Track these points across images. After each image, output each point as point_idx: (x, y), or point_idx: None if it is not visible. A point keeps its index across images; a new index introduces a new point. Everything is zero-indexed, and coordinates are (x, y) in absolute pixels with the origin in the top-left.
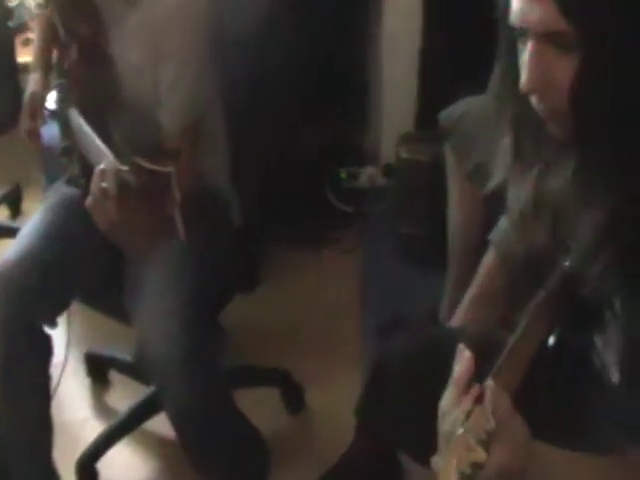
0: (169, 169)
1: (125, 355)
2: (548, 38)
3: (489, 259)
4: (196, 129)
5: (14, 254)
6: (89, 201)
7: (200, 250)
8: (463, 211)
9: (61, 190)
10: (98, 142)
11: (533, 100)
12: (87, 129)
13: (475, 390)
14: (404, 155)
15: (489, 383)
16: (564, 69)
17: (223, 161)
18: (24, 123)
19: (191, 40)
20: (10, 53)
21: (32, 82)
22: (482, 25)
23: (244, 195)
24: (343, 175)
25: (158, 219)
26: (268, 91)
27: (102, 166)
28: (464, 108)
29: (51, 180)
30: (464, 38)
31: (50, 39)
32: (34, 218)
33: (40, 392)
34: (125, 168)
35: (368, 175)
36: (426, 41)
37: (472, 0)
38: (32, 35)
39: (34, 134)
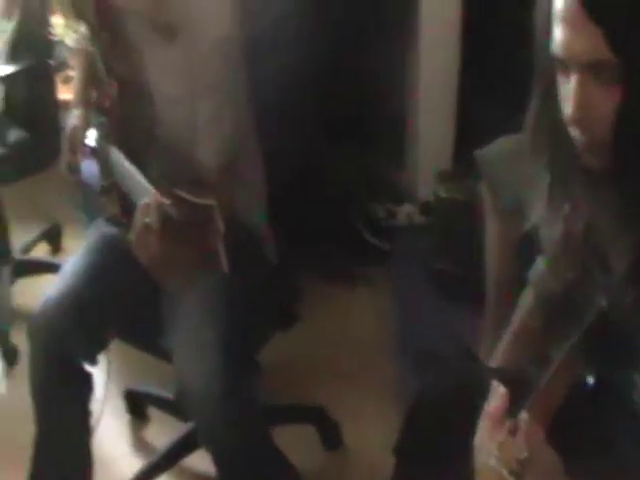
0: (211, 201)
1: (164, 391)
2: (592, 68)
3: (527, 298)
4: (233, 165)
5: (55, 293)
6: (131, 236)
7: (238, 286)
8: (500, 250)
9: (101, 229)
10: (140, 178)
11: (573, 131)
12: (128, 165)
13: (508, 423)
14: (442, 194)
15: (523, 415)
16: (608, 100)
17: (258, 197)
18: (65, 157)
19: (229, 76)
20: (51, 91)
21: (73, 118)
22: (520, 62)
23: (280, 231)
24: (380, 212)
25: (201, 251)
26: (306, 127)
27: (145, 201)
28: (500, 147)
29: (90, 218)
30: (502, 75)
31: (90, 76)
32: (75, 257)
33: (81, 428)
34: (167, 202)
35: (406, 213)
36: (463, 78)
37: (510, 37)
38: (72, 73)
39: (74, 168)
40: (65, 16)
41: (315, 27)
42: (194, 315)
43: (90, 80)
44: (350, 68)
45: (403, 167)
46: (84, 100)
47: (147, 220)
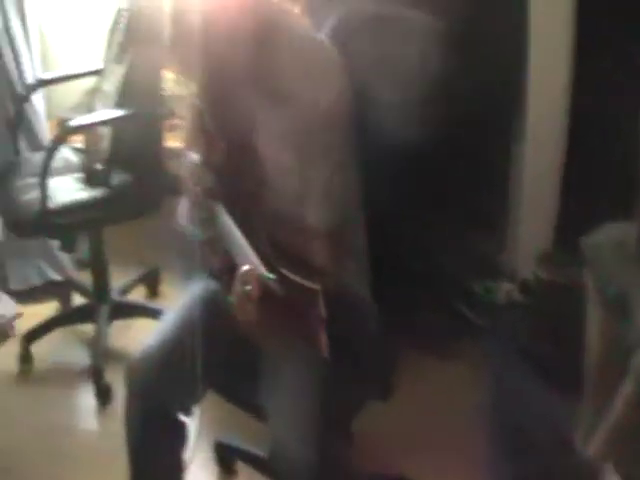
0: (316, 286)
1: (254, 447)
2: None
3: (628, 389)
4: (342, 234)
5: (155, 342)
6: (232, 299)
7: (338, 355)
8: (603, 339)
9: (203, 282)
10: (242, 242)
11: None
12: (232, 226)
13: None
14: (543, 275)
15: None
16: None
17: (363, 270)
18: (173, 204)
19: (339, 146)
20: (157, 137)
21: (182, 168)
22: (627, 150)
23: (381, 303)
24: (479, 289)
25: (301, 331)
26: (408, 202)
27: (246, 268)
28: (607, 236)
29: (191, 268)
30: (608, 161)
31: (199, 130)
32: (176, 307)
33: (172, 477)
34: (272, 276)
35: (504, 290)
36: (569, 160)
37: (616, 122)
38: (178, 121)
39: (183, 217)
40: (176, 72)
41: (425, 103)
42: (292, 379)
43: (199, 134)
44: (457, 146)
45: (503, 245)
46: (193, 152)
47: (247, 288)
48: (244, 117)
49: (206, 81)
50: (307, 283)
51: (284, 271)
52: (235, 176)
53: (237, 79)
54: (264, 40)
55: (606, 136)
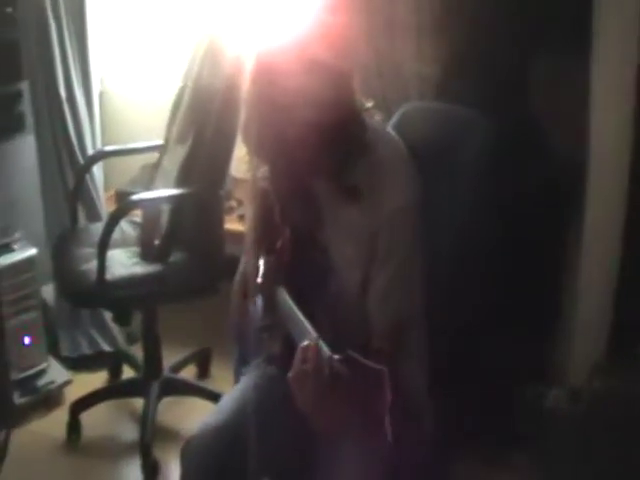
0: (383, 367)
1: None
2: None
3: None
4: (403, 332)
5: (213, 423)
6: (290, 377)
7: (395, 454)
8: None
9: (261, 367)
10: (305, 322)
11: None
12: (294, 307)
13: None
14: (596, 384)
15: None
16: None
17: (422, 368)
18: (235, 300)
19: (408, 247)
20: (217, 218)
21: (246, 261)
22: None
23: (436, 405)
24: (528, 393)
25: (365, 415)
26: (473, 302)
27: (305, 344)
28: None
29: (244, 351)
30: None
31: (265, 215)
32: (235, 391)
33: None
34: (337, 357)
35: (554, 396)
36: (623, 267)
37: None
38: (234, 203)
39: (243, 313)
40: (248, 153)
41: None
42: (347, 472)
43: (264, 219)
44: (514, 247)
45: (556, 350)
46: (257, 237)
47: (306, 367)
48: (314, 208)
49: (278, 168)
50: (374, 365)
51: (350, 352)
52: (299, 265)
53: (308, 168)
54: (337, 134)
55: None
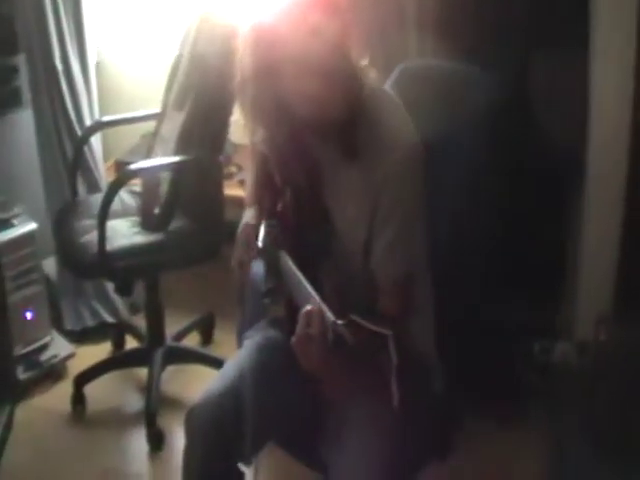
0: (388, 331)
1: None
2: None
3: None
4: (409, 288)
5: (217, 388)
6: (294, 341)
7: (403, 414)
8: None
9: (265, 331)
10: (309, 288)
11: None
12: (297, 272)
13: None
14: (602, 337)
15: None
16: None
17: (429, 325)
18: (237, 253)
19: (410, 201)
20: (217, 184)
21: (247, 216)
22: None
23: (445, 361)
24: (536, 348)
25: (371, 379)
26: (468, 259)
27: (308, 308)
28: None
29: (250, 317)
30: None
31: (264, 179)
32: (238, 356)
33: None
34: (340, 322)
35: (561, 351)
36: (628, 221)
37: None
38: (234, 169)
39: (245, 265)
40: (245, 118)
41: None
42: (356, 437)
43: (264, 183)
44: (517, 203)
45: (562, 305)
46: (258, 201)
47: (310, 330)
48: (313, 168)
49: (276, 130)
50: (377, 328)
51: (353, 317)
52: (302, 225)
53: (308, 132)
54: (334, 94)
55: None
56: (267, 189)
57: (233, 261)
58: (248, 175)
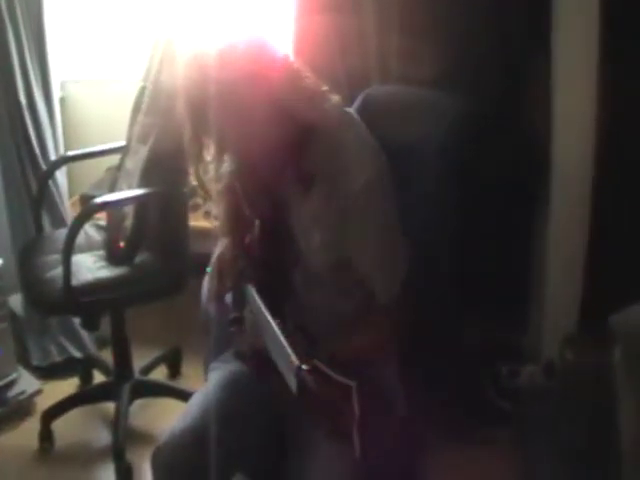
0: (351, 383)
1: None
2: None
3: None
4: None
5: (183, 425)
6: None
7: (368, 445)
8: (636, 429)
9: (228, 365)
10: (273, 324)
11: None
12: (263, 308)
13: None
14: (568, 357)
15: None
16: None
17: (392, 352)
18: (212, 285)
19: (385, 214)
20: (182, 217)
21: (221, 246)
22: None
23: (409, 386)
24: (502, 371)
25: (333, 425)
26: (432, 278)
27: None
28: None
29: (217, 350)
30: (635, 239)
31: (235, 210)
32: (202, 390)
33: None
34: (304, 367)
35: (528, 373)
36: (593, 239)
37: None
38: (200, 200)
39: (220, 297)
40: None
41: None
42: (322, 466)
43: (234, 215)
44: (481, 225)
45: (527, 327)
46: (231, 230)
47: None
48: (278, 197)
49: (239, 161)
50: (341, 379)
51: (317, 363)
52: (268, 256)
53: (265, 162)
54: (285, 127)
55: (632, 214)
56: (237, 221)
57: (208, 293)
58: (216, 207)
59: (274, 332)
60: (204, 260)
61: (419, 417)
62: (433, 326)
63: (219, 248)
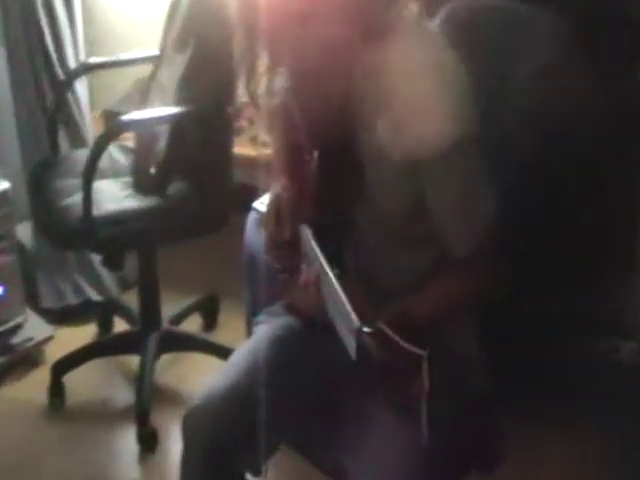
0: (422, 351)
1: None
2: None
3: None
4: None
5: (221, 386)
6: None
7: (437, 416)
8: None
9: (277, 318)
10: (332, 276)
11: None
12: (321, 256)
13: None
14: None
15: None
16: None
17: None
18: (269, 230)
19: (463, 167)
20: (224, 141)
21: (277, 185)
22: None
23: (491, 362)
24: (604, 347)
25: (398, 398)
26: (528, 247)
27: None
28: None
29: (254, 296)
30: None
31: (287, 136)
32: (248, 346)
33: None
34: (366, 329)
35: (628, 349)
36: None
37: None
38: (245, 123)
39: (279, 245)
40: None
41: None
42: (382, 438)
43: (286, 143)
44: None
45: (630, 303)
46: (287, 167)
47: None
48: (343, 121)
49: (299, 75)
50: (410, 347)
51: (382, 326)
52: (326, 196)
53: (330, 69)
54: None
55: None
56: (290, 149)
57: (266, 241)
58: (268, 132)
59: (332, 284)
60: (248, 193)
61: (497, 396)
62: (519, 294)
63: (275, 187)
